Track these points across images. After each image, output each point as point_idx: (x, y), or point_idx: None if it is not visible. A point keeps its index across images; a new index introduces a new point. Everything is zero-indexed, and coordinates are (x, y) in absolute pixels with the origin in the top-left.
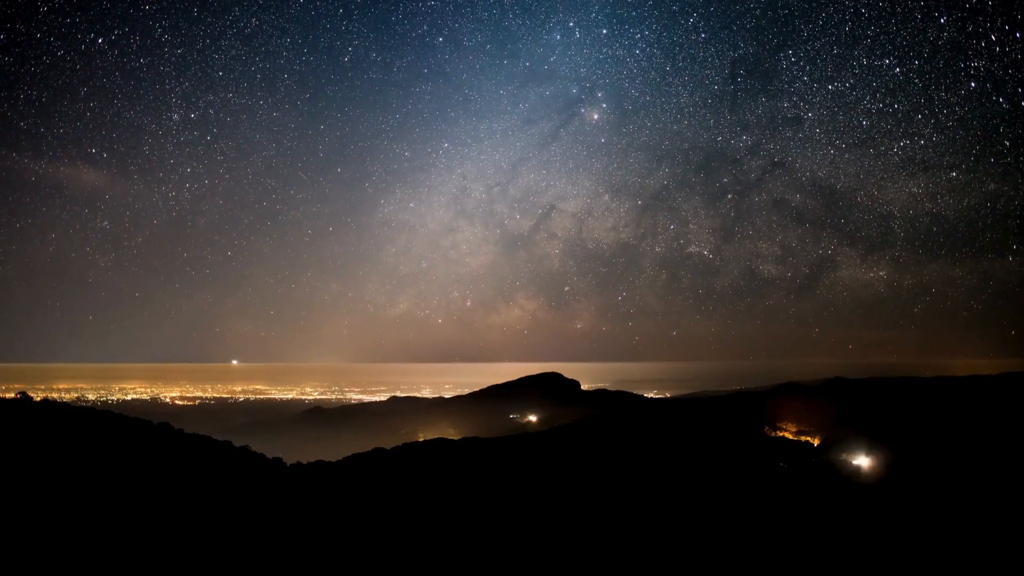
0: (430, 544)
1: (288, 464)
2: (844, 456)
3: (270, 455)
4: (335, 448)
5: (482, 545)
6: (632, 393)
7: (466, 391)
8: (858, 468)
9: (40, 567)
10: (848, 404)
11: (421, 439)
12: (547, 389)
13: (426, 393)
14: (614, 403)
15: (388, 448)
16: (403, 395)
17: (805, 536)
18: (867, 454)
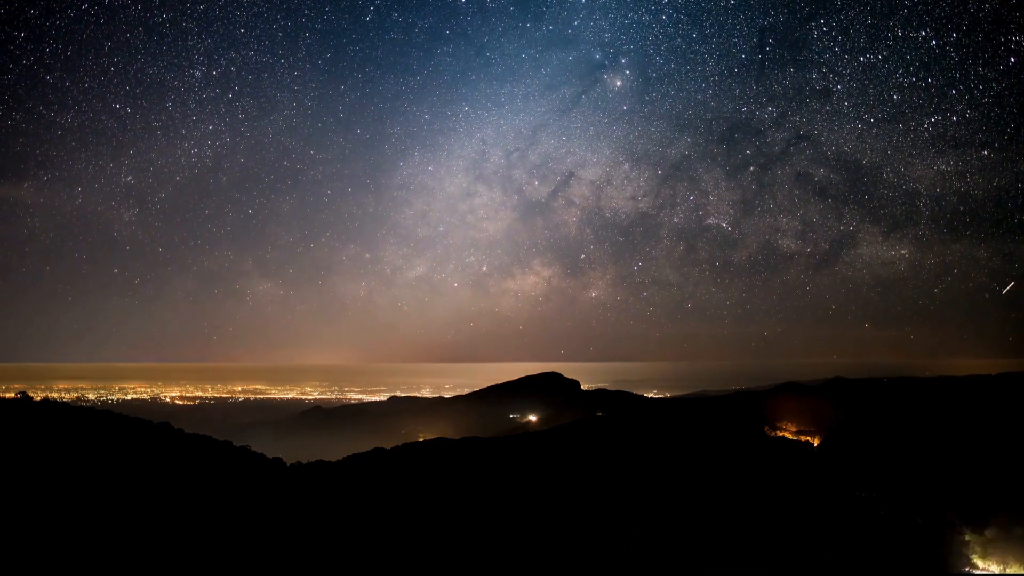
0: (430, 543)
1: (288, 464)
2: (844, 455)
3: (270, 455)
4: (335, 448)
5: (482, 543)
6: (632, 393)
7: (466, 391)
8: (858, 467)
9: (42, 565)
10: (848, 404)
11: (421, 439)
12: (547, 389)
13: (426, 393)
14: (614, 403)
15: (388, 448)
16: (403, 395)
17: (805, 533)
18: (867, 453)
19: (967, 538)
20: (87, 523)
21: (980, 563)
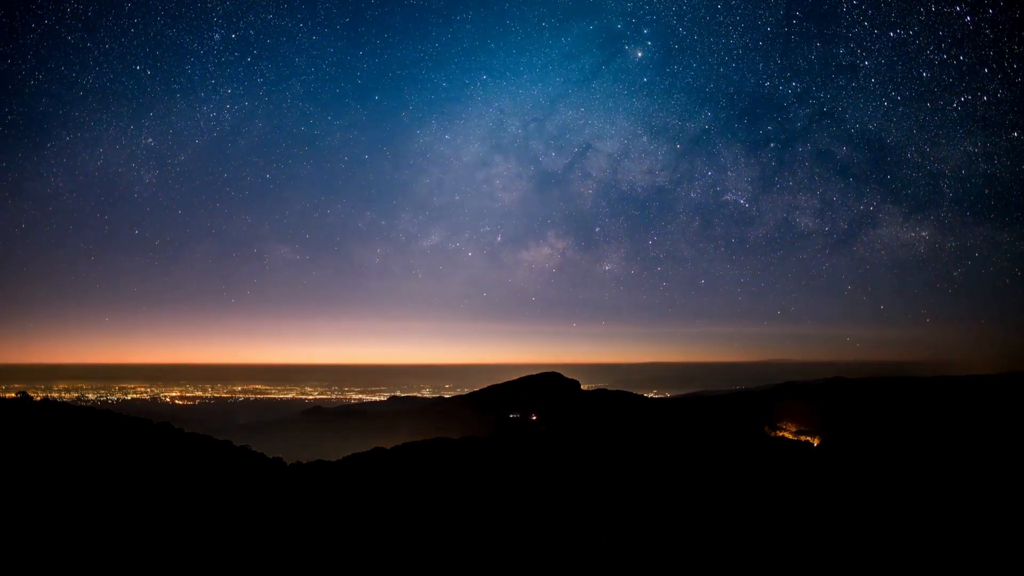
0: (429, 543)
1: (288, 464)
2: (844, 455)
3: (270, 455)
4: (335, 448)
5: (481, 544)
6: (632, 393)
7: (466, 391)
8: (858, 467)
9: (42, 566)
10: (848, 404)
11: (421, 439)
12: (547, 389)
13: (426, 393)
14: (614, 403)
15: (388, 448)
16: (403, 395)
17: (805, 534)
18: (867, 454)
19: (966, 536)
20: (87, 523)
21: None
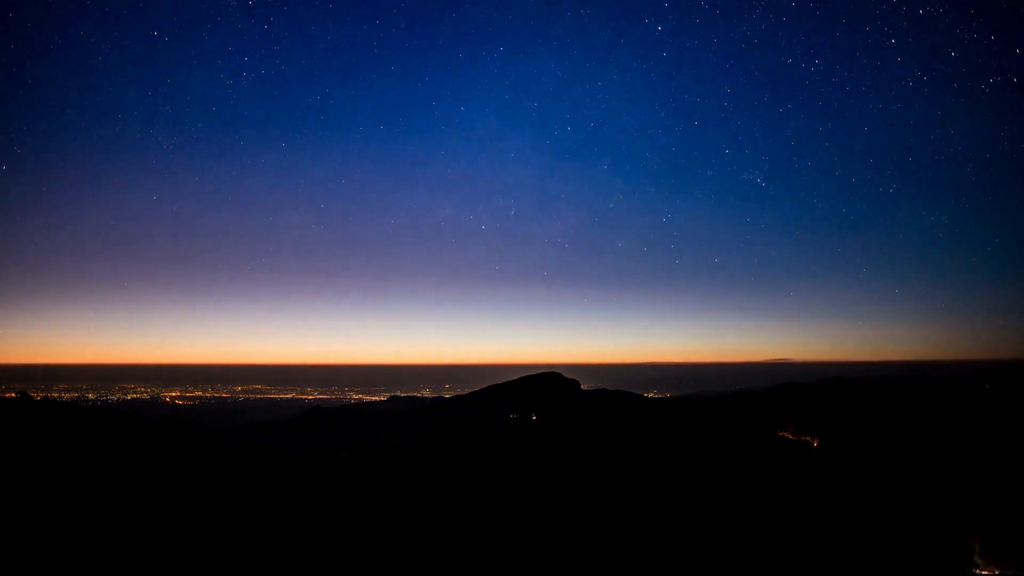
0: (429, 541)
1: (288, 464)
2: (844, 455)
3: (270, 455)
4: (335, 448)
5: (480, 543)
6: (632, 393)
7: (466, 391)
8: (858, 467)
9: (43, 562)
10: (848, 404)
11: (421, 439)
12: (547, 389)
13: (426, 393)
14: (614, 403)
15: (388, 448)
16: (403, 395)
17: (805, 532)
18: (867, 454)
19: (967, 538)
20: (89, 519)
21: (980, 563)
